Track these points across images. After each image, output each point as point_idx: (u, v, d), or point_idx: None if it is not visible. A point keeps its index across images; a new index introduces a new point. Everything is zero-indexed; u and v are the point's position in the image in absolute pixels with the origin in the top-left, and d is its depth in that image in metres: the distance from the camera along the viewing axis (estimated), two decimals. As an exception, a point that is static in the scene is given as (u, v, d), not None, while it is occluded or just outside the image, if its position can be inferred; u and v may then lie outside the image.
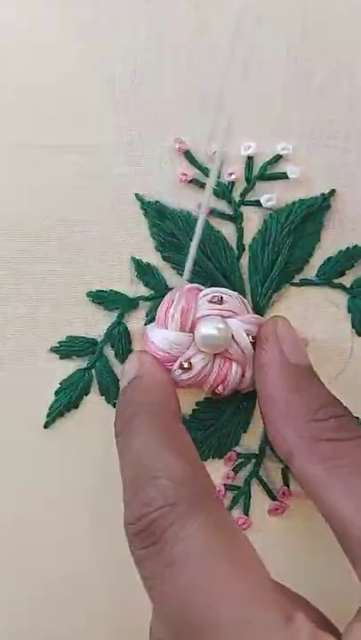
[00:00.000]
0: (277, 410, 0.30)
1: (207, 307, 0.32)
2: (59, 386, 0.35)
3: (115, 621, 0.36)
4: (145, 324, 0.34)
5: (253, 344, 0.32)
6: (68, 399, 0.35)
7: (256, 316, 0.33)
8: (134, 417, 0.28)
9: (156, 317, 0.33)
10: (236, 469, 0.35)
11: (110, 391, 0.35)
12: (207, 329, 0.31)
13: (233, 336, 0.31)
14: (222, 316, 0.32)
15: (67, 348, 0.35)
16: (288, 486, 0.35)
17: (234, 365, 0.32)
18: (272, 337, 0.32)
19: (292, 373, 0.31)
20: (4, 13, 0.34)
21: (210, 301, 0.32)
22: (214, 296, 0.32)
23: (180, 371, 0.31)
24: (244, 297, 0.34)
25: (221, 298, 0.32)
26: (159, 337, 0.32)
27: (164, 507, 0.24)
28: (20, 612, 0.36)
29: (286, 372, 0.31)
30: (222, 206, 0.35)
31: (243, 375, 0.32)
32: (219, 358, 0.32)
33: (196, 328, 0.31)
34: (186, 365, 0.31)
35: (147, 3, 0.34)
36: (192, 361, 0.31)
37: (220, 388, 0.32)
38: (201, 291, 0.33)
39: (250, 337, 0.32)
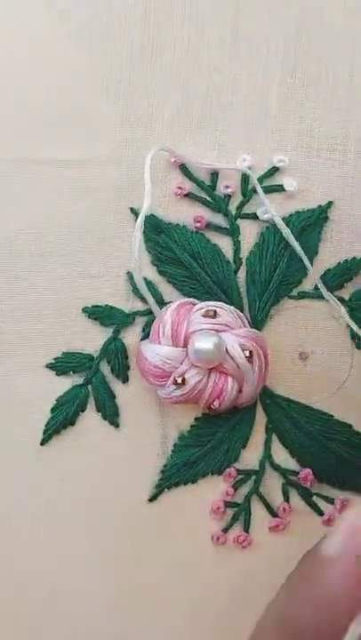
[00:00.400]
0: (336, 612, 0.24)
1: (201, 321, 0.31)
2: (55, 402, 0.34)
3: (112, 637, 0.35)
4: (141, 340, 0.34)
5: (249, 358, 0.31)
6: (64, 416, 0.34)
7: (252, 329, 0.33)
8: None
9: (150, 333, 0.32)
10: (235, 486, 0.35)
11: (106, 407, 0.34)
12: (200, 343, 0.31)
13: (227, 350, 0.31)
14: (216, 330, 0.31)
15: (63, 364, 0.34)
16: (288, 503, 0.35)
17: (230, 380, 0.32)
18: (345, 525, 0.25)
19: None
20: (4, 29, 0.34)
21: (203, 315, 0.32)
22: (208, 310, 0.32)
23: (173, 386, 0.31)
24: (242, 311, 0.34)
25: (215, 312, 0.32)
26: (151, 352, 0.31)
27: None
28: (13, 626, 0.36)
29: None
30: (219, 220, 0.35)
31: (240, 390, 0.32)
32: (214, 373, 0.31)
33: (190, 342, 0.31)
34: (179, 381, 0.31)
35: (142, 17, 0.34)
36: (186, 376, 0.31)
37: (215, 403, 0.32)
38: (195, 305, 0.32)
39: (245, 351, 0.31)
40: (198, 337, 0.31)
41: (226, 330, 0.32)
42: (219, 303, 0.32)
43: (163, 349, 0.31)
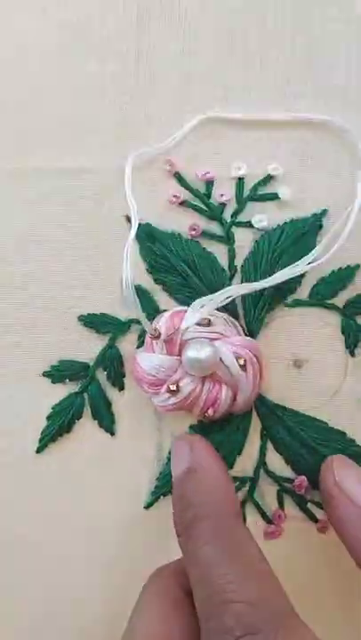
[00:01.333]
0: None
1: (195, 329, 0.31)
2: (51, 410, 0.34)
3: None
4: (137, 347, 0.34)
5: (242, 367, 0.31)
6: (60, 423, 0.34)
7: (246, 337, 0.33)
8: (196, 522, 0.27)
9: (145, 341, 0.33)
10: (230, 493, 0.35)
11: (102, 415, 0.34)
12: (193, 352, 0.31)
13: (221, 359, 0.31)
14: (210, 339, 0.31)
15: (59, 373, 0.34)
16: (283, 509, 0.35)
17: (224, 388, 0.32)
18: (336, 491, 0.31)
19: None
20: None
21: (197, 324, 0.32)
22: (202, 318, 0.32)
23: (167, 394, 0.31)
24: (237, 318, 0.34)
25: (209, 320, 0.32)
26: (146, 361, 0.32)
27: (245, 636, 0.23)
28: (15, 628, 0.36)
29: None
30: (214, 228, 0.35)
31: (234, 398, 0.32)
32: (208, 381, 0.32)
33: (183, 351, 0.31)
34: (173, 388, 0.31)
35: (137, 25, 0.35)
36: (180, 384, 0.31)
37: (210, 411, 0.32)
38: (191, 313, 0.33)
39: (239, 360, 0.31)
40: (192, 345, 0.31)
41: (220, 338, 0.32)
42: (214, 311, 0.33)
43: (157, 358, 0.31)
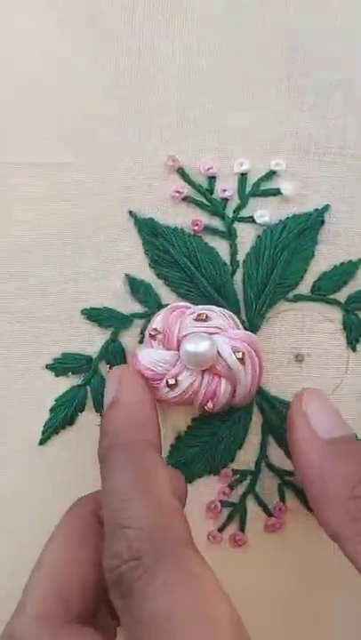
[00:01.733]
0: (315, 490, 0.29)
1: (193, 324, 0.32)
2: (54, 403, 0.35)
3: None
4: (139, 342, 0.35)
5: (241, 360, 0.31)
6: (63, 416, 0.35)
7: (245, 332, 0.33)
8: (109, 450, 0.28)
9: (145, 336, 0.33)
10: (231, 486, 0.35)
11: (105, 408, 0.35)
12: (190, 346, 0.31)
13: (219, 352, 0.31)
14: (208, 333, 0.32)
15: (62, 365, 0.35)
16: (284, 502, 0.35)
17: (223, 381, 0.32)
18: (298, 414, 0.30)
19: (323, 450, 0.29)
20: None
21: (195, 319, 0.32)
22: (200, 313, 0.32)
23: (166, 388, 0.31)
24: (238, 313, 0.34)
25: (206, 315, 0.32)
26: (145, 355, 0.32)
27: (130, 561, 0.23)
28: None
29: (318, 448, 0.29)
30: (216, 223, 0.35)
31: (233, 391, 0.32)
32: (207, 375, 0.32)
33: (181, 345, 0.31)
34: (172, 382, 0.31)
35: (141, 23, 0.35)
36: (178, 378, 0.31)
37: (209, 404, 0.32)
38: (188, 309, 0.33)
39: (237, 353, 0.31)
40: (189, 339, 0.31)
41: (218, 332, 0.32)
42: (212, 307, 0.33)
43: (156, 353, 0.32)
